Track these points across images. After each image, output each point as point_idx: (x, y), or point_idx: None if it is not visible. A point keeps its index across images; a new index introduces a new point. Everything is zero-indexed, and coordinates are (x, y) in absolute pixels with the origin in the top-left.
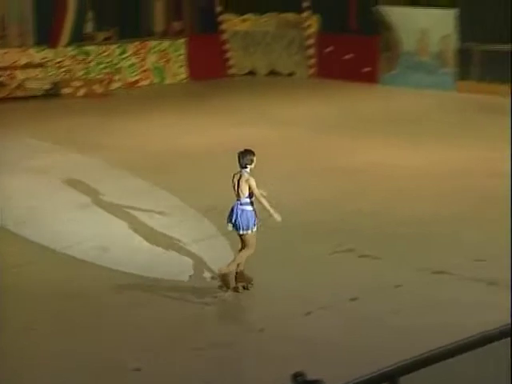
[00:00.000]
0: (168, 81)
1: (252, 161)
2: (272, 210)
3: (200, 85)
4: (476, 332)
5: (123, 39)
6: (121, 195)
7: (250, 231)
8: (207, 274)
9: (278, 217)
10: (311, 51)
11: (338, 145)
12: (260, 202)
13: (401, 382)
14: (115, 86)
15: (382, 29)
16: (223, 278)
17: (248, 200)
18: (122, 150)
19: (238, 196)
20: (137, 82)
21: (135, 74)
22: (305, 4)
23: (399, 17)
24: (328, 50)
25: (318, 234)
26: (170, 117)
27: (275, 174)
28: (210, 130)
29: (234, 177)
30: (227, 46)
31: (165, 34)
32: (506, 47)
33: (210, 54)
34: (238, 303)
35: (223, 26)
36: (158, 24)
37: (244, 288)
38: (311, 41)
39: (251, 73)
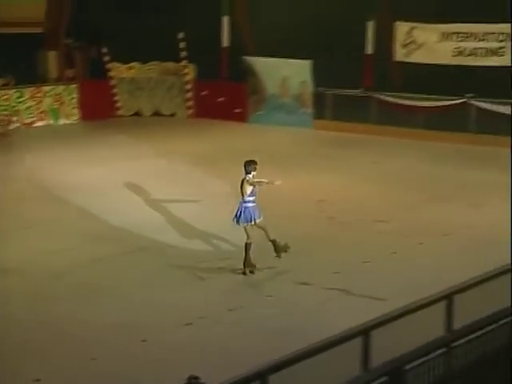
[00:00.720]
0: (62, 121)
1: (255, 168)
2: (267, 180)
3: (91, 125)
4: (334, 333)
5: (20, 85)
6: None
7: (251, 223)
8: None
9: (278, 182)
10: (189, 95)
11: (211, 174)
12: (261, 184)
13: (270, 381)
14: (14, 126)
15: (249, 76)
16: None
17: (250, 198)
18: (18, 181)
19: (242, 196)
20: (33, 122)
21: (32, 115)
22: (182, 54)
23: (264, 66)
24: (203, 93)
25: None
26: (64, 152)
27: (161, 196)
28: (98, 164)
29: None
30: (115, 91)
31: (59, 80)
32: (353, 92)
33: (99, 97)
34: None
35: (111, 73)
36: (53, 71)
37: (250, 272)
38: (189, 86)
39: (137, 114)
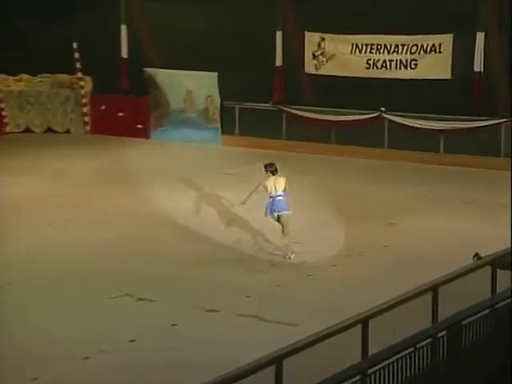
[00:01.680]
0: None
1: (277, 170)
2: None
3: None
4: (244, 363)
5: None
6: None
7: (286, 212)
8: None
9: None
10: (86, 109)
11: (112, 196)
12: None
13: None
14: None
15: (151, 89)
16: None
17: (282, 193)
18: None
19: (275, 191)
20: None
21: None
22: (77, 65)
23: (166, 78)
24: (101, 108)
25: (96, 280)
26: None
27: (48, 222)
28: None
29: (269, 180)
30: (2, 105)
31: None
32: (262, 106)
33: None
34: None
35: None
36: None
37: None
38: (85, 100)
39: (28, 130)
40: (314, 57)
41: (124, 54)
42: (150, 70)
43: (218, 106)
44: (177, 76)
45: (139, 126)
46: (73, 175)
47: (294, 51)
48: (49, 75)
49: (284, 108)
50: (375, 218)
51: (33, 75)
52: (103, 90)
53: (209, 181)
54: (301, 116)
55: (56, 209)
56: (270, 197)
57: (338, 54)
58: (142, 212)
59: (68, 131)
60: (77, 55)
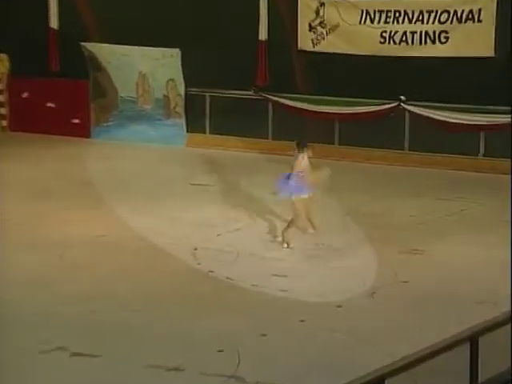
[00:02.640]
0: None
1: (305, 144)
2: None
3: None
4: None
5: None
6: None
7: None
8: None
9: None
10: (1, 98)
11: (46, 215)
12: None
13: None
14: None
15: (91, 71)
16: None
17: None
18: None
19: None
20: None
21: None
22: None
23: (113, 57)
24: (23, 96)
25: (18, 328)
26: None
27: None
28: None
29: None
30: None
31: None
32: (241, 94)
33: None
34: None
35: None
36: None
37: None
38: (0, 85)
39: None
40: (311, 28)
41: (54, 23)
42: (89, 46)
43: (182, 93)
44: (126, 53)
45: (76, 121)
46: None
47: (284, 21)
48: None
49: (270, 97)
50: (391, 242)
51: None
52: (25, 72)
53: (172, 195)
54: (293, 107)
55: None
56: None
57: (343, 25)
58: (82, 237)
59: None
60: None
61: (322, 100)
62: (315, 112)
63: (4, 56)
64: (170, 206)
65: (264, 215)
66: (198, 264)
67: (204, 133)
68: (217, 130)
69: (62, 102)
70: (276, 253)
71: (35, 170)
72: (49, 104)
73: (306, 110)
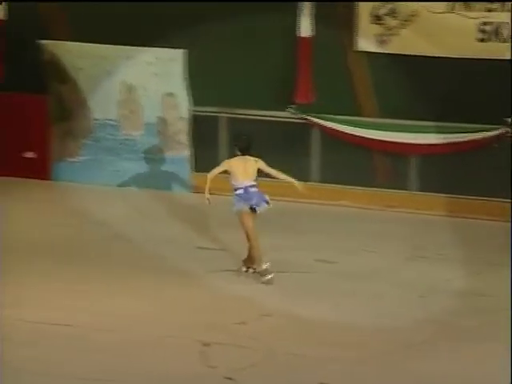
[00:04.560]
0: None
1: (250, 145)
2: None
3: None
4: None
5: None
6: None
7: (265, 206)
8: None
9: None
10: None
11: None
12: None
13: None
14: None
15: (53, 82)
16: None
17: (254, 183)
18: None
19: (245, 180)
20: None
21: None
22: None
23: (85, 61)
24: None
25: None
26: None
27: None
28: None
29: (235, 162)
30: None
31: None
32: (272, 114)
33: None
34: None
35: None
36: None
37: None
38: None
39: None
40: (376, 19)
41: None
42: (50, 45)
43: (187, 115)
44: (105, 56)
45: (29, 155)
46: None
47: (335, 9)
48: None
49: (316, 119)
50: None
51: None
52: None
53: (170, 264)
54: (349, 135)
55: None
56: (239, 188)
57: (424, 14)
58: (30, 327)
59: None
60: None
61: (391, 124)
62: (381, 142)
63: None
64: (168, 280)
65: (305, 295)
66: (210, 367)
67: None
68: None
69: (9, 126)
70: (325, 351)
71: None
72: None
73: (368, 139)
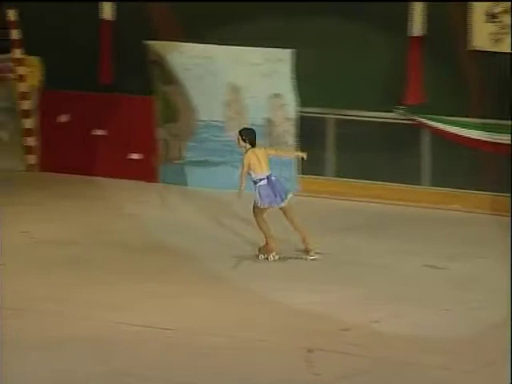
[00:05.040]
0: None
1: (255, 138)
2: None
3: None
4: None
5: None
6: None
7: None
8: None
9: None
10: (29, 123)
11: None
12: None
13: None
14: None
15: (159, 83)
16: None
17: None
18: None
19: (264, 170)
20: None
21: None
22: (11, 35)
23: (192, 61)
24: (62, 119)
25: None
26: None
27: None
28: None
29: (249, 156)
30: None
31: None
32: (380, 116)
33: None
34: None
35: None
36: None
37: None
38: (30, 104)
39: None
40: (491, 17)
41: (107, 13)
42: (158, 46)
43: (294, 116)
44: (211, 56)
45: (135, 157)
46: (15, 259)
47: (448, 7)
48: None
49: (427, 121)
50: None
51: None
52: (64, 85)
53: (275, 268)
54: (464, 138)
55: None
56: (261, 179)
57: None
58: (130, 330)
59: None
60: (13, 18)
61: (503, 126)
62: (493, 144)
63: (34, 59)
64: (265, 284)
65: (411, 302)
66: (315, 375)
67: (326, 175)
68: (346, 171)
69: (117, 128)
70: (433, 358)
71: (72, 232)
72: (96, 131)
73: (479, 141)
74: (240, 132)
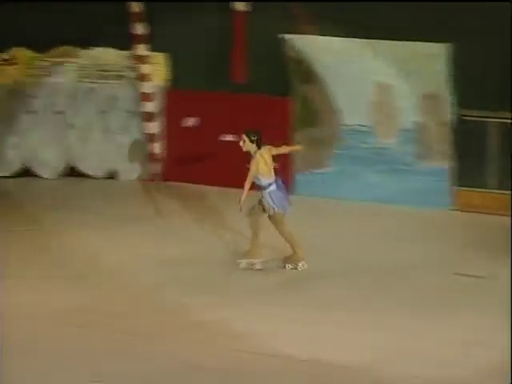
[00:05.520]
0: None
1: (260, 139)
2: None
3: None
4: None
5: None
6: None
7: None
8: None
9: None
10: (153, 128)
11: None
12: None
13: None
14: None
15: (296, 81)
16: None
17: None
18: None
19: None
20: None
21: None
22: (136, 30)
23: (333, 57)
24: (189, 123)
25: None
26: None
27: None
28: None
29: (257, 159)
30: None
31: None
32: None
33: None
34: None
35: None
36: None
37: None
38: (152, 106)
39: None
40: None
41: (240, 4)
42: (297, 40)
43: (449, 119)
44: (355, 52)
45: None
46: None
47: None
48: (64, 50)
49: None
50: None
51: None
52: (191, 84)
53: (431, 295)
54: None
55: None
56: (269, 183)
57: None
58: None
59: (112, 175)
60: (136, 7)
61: None
62: None
63: (161, 56)
64: (423, 312)
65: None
66: None
67: (485, 187)
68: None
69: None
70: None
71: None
72: (227, 137)
73: None
74: (247, 133)
